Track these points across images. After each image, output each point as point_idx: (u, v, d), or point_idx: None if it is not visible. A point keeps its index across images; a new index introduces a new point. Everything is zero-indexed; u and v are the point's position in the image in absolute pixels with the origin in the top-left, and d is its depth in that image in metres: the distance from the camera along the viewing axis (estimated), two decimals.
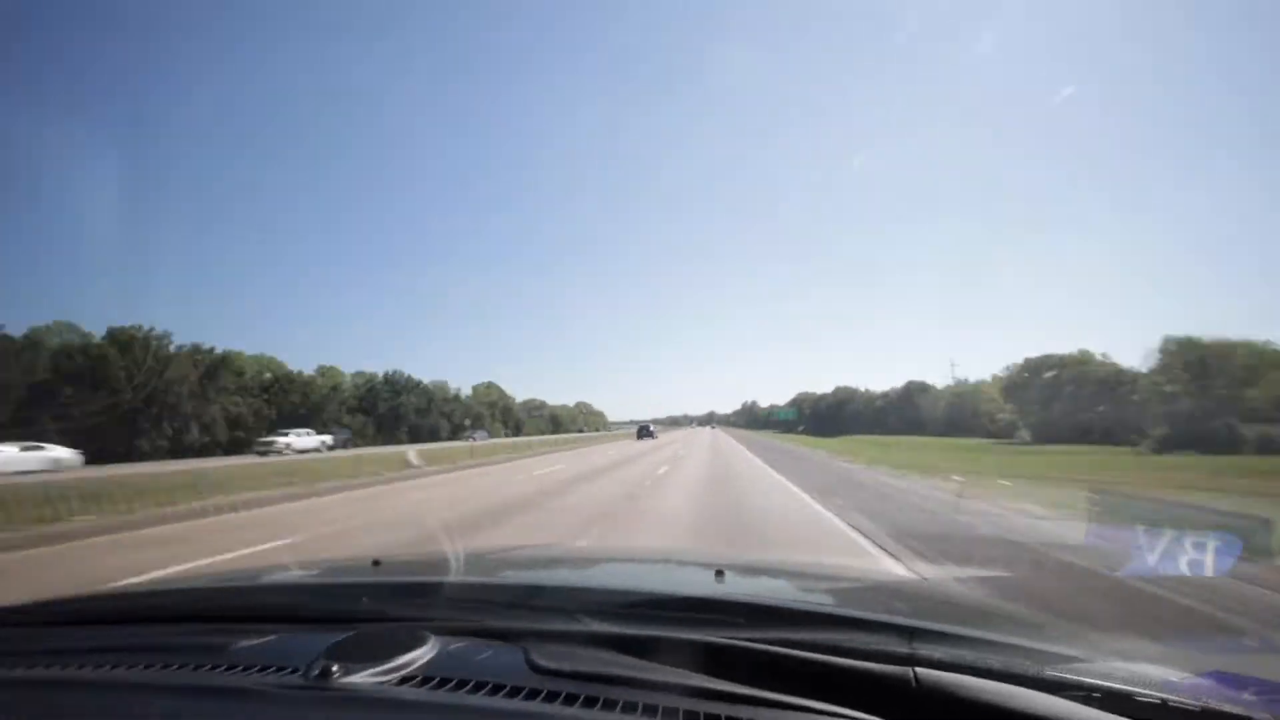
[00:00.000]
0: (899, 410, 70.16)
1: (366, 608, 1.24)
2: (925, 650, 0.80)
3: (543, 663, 0.88)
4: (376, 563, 1.60)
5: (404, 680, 0.84)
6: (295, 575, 1.64)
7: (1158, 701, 0.71)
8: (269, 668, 0.90)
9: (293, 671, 0.87)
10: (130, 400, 35.14)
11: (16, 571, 6.30)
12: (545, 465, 20.71)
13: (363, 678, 0.83)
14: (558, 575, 1.73)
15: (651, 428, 58.67)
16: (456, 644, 0.98)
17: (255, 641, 1.04)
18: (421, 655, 0.91)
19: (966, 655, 0.79)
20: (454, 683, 0.83)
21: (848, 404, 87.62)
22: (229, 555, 6.53)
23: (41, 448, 22.64)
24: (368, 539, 7.58)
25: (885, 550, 5.99)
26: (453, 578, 1.40)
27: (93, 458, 25.70)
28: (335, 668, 0.83)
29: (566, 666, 0.85)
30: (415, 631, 0.97)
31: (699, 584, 1.47)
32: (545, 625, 1.04)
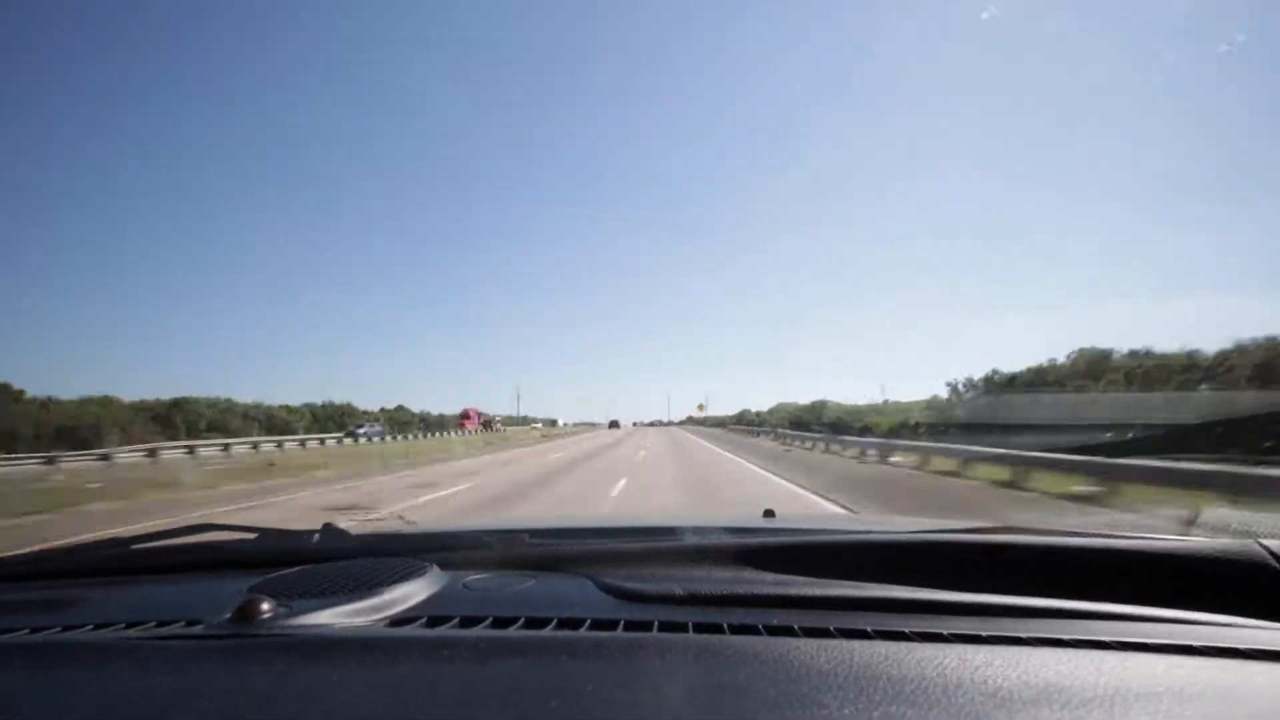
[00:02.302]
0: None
1: (328, 545, 0.99)
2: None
3: (632, 586, 0.69)
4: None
5: (395, 623, 0.64)
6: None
7: None
8: (170, 621, 0.68)
9: (189, 624, 0.65)
10: None
11: None
12: None
13: (310, 619, 0.62)
14: (607, 519, 1.60)
15: (619, 421, 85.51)
16: (478, 576, 0.78)
17: (158, 589, 0.83)
18: (418, 591, 0.70)
19: None
20: (487, 621, 0.63)
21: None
22: None
23: None
24: None
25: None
26: (470, 525, 1.24)
27: None
28: (265, 608, 0.62)
29: (676, 590, 0.67)
30: (407, 564, 0.76)
31: (764, 520, 1.36)
32: (616, 546, 0.85)
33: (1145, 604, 0.63)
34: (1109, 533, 0.81)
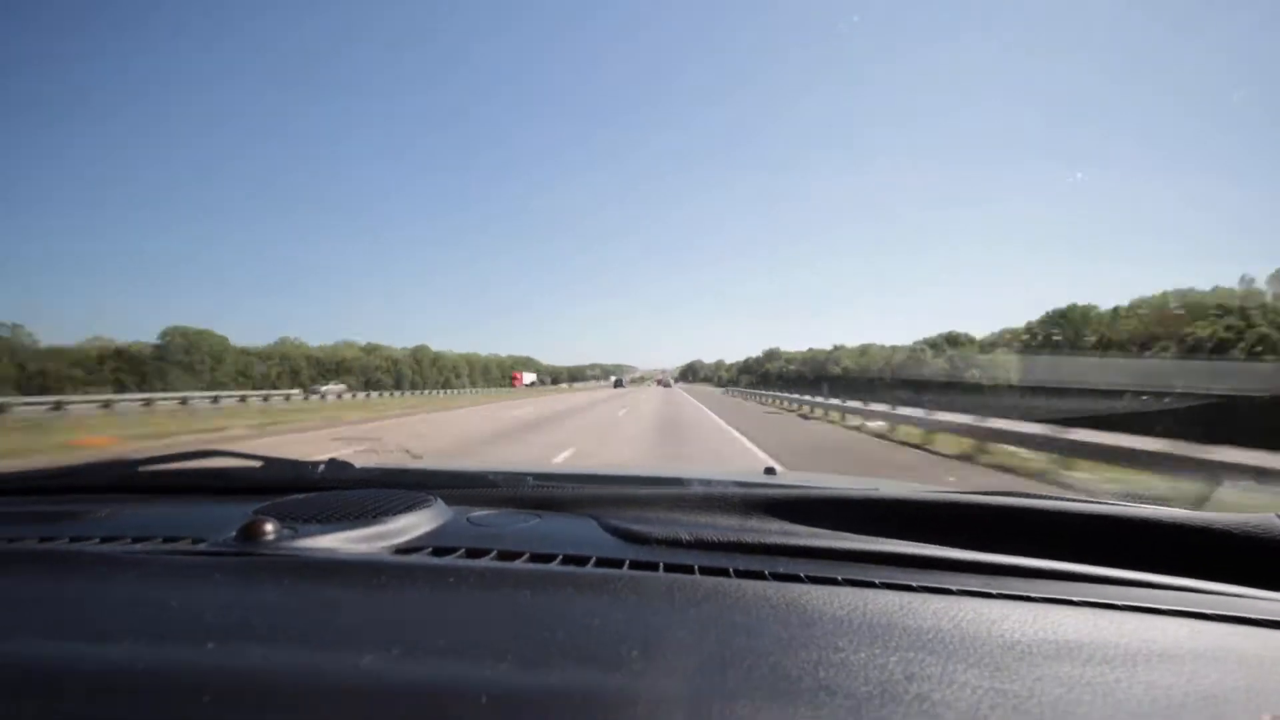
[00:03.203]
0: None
1: (334, 476, 0.99)
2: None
3: (638, 529, 0.69)
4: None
5: (400, 551, 0.64)
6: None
7: None
8: (175, 538, 0.69)
9: (194, 542, 0.66)
10: None
11: None
12: None
13: (315, 542, 0.62)
14: (612, 468, 1.62)
15: (624, 380, 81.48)
16: (482, 512, 0.78)
17: (164, 509, 0.85)
18: (423, 522, 0.71)
19: None
20: (493, 554, 0.64)
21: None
22: None
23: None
24: None
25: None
26: (475, 466, 1.24)
27: None
28: (269, 529, 0.62)
29: (682, 534, 0.67)
30: (412, 496, 0.76)
31: (768, 477, 1.35)
32: (621, 490, 0.84)
33: (1160, 574, 0.61)
34: (1124, 503, 0.79)
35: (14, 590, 0.54)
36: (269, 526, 0.63)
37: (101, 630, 0.45)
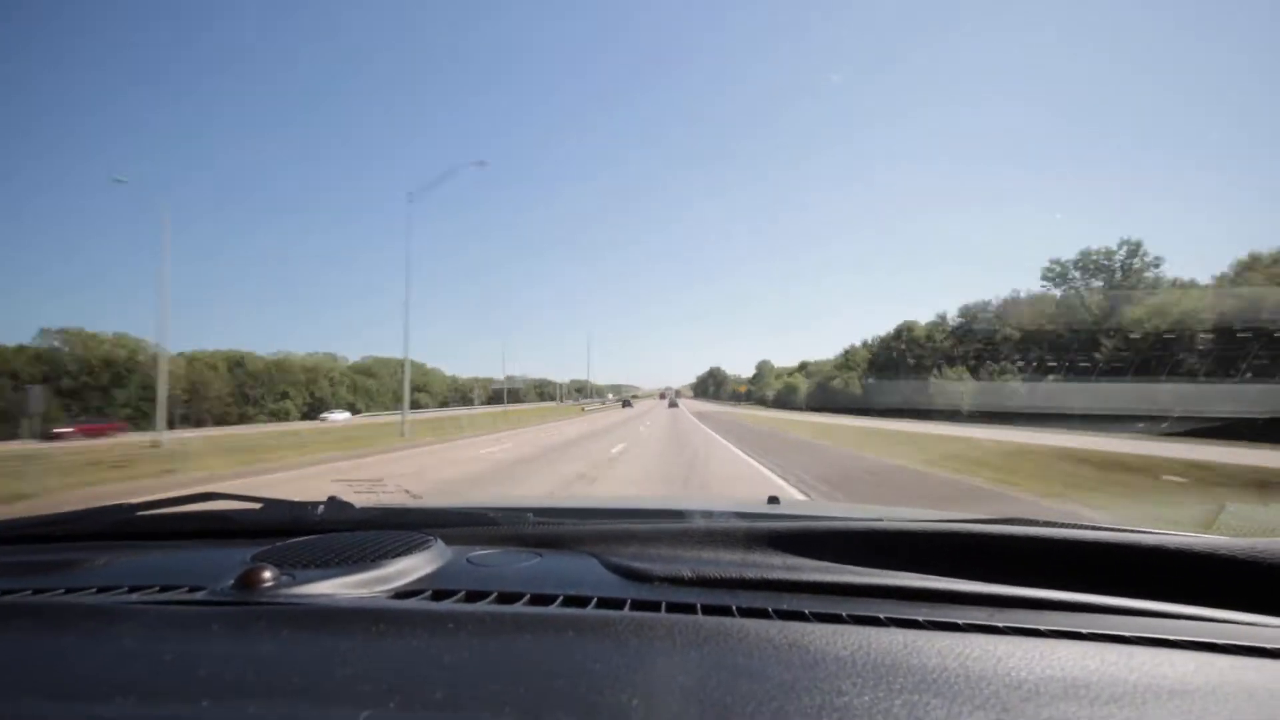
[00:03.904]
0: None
1: (332, 517, 0.98)
2: None
3: (639, 566, 0.68)
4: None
5: (399, 595, 0.64)
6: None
7: None
8: (173, 586, 0.68)
9: (192, 590, 0.65)
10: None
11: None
12: None
13: (313, 589, 0.62)
14: (612, 500, 1.59)
15: (630, 402, 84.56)
16: (482, 552, 0.78)
17: (162, 556, 0.84)
18: (423, 565, 0.70)
19: None
20: (493, 596, 0.63)
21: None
22: None
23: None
24: None
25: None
26: (474, 502, 1.23)
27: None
28: (268, 576, 0.62)
29: (684, 571, 0.66)
30: (411, 538, 0.76)
31: (772, 506, 1.34)
32: (622, 526, 0.83)
33: (1167, 602, 0.61)
34: (1129, 528, 0.78)
35: (6, 646, 0.54)
36: (267, 574, 0.63)
37: (95, 688, 0.44)
